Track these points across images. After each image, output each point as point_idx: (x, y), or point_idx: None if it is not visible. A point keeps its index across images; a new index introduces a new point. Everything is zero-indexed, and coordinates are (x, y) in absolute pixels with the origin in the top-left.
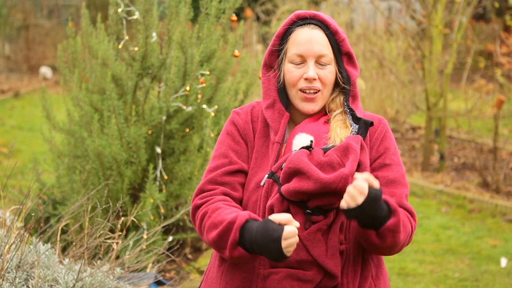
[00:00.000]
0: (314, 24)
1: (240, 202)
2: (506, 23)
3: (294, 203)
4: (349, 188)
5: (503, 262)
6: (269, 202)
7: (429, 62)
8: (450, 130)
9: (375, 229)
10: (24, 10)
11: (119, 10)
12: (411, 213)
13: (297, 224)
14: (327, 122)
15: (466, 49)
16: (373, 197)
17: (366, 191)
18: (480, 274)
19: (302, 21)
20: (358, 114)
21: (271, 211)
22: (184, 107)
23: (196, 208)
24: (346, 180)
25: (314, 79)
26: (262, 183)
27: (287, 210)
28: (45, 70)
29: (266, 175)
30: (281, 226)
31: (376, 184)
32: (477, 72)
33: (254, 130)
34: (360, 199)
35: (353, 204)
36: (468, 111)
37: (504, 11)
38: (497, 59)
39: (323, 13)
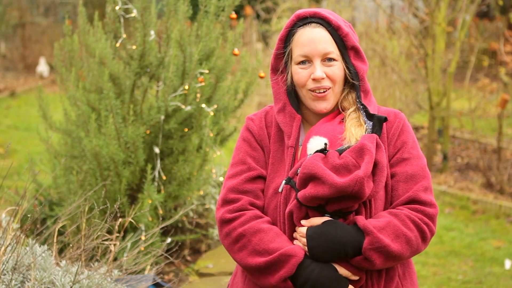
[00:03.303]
0: (315, 22)
1: (262, 208)
2: (510, 21)
3: (312, 208)
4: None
5: (507, 264)
6: (287, 209)
7: (432, 60)
8: (454, 130)
9: (356, 255)
10: (20, 8)
11: (117, 8)
12: (422, 211)
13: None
14: (342, 121)
15: (469, 47)
16: (315, 236)
17: (304, 237)
18: (484, 276)
19: (303, 21)
20: (371, 110)
21: (291, 217)
22: (183, 107)
23: (225, 222)
24: (361, 183)
25: (322, 79)
26: (280, 190)
27: (306, 216)
28: (42, 69)
29: (284, 181)
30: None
31: (316, 222)
32: (481, 71)
33: (269, 135)
34: (305, 245)
35: (306, 249)
36: (472, 111)
37: (508, 9)
38: (501, 58)
39: (323, 10)
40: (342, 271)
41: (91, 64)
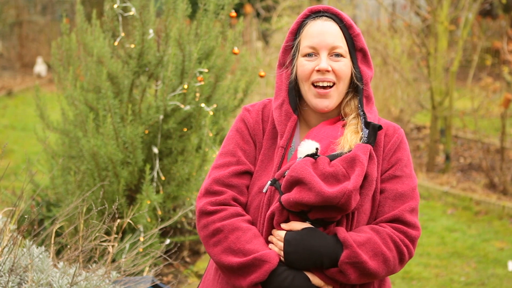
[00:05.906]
0: (328, 16)
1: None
2: None
3: (294, 214)
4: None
5: (510, 265)
6: (269, 211)
7: (434, 59)
8: (456, 130)
9: (332, 266)
10: (17, 6)
11: (115, 6)
12: (405, 232)
13: None
14: (343, 127)
15: (472, 46)
16: (293, 241)
17: (281, 241)
18: (487, 277)
19: (315, 14)
20: (370, 118)
21: (271, 220)
22: (182, 106)
23: (205, 213)
24: (349, 196)
25: (327, 71)
26: (264, 190)
27: (287, 220)
28: (40, 68)
29: (269, 182)
30: None
31: (296, 227)
32: (484, 70)
33: (264, 130)
34: (281, 250)
35: (282, 254)
36: (475, 110)
37: (511, 7)
38: (504, 57)
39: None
40: (316, 280)
41: (89, 63)
